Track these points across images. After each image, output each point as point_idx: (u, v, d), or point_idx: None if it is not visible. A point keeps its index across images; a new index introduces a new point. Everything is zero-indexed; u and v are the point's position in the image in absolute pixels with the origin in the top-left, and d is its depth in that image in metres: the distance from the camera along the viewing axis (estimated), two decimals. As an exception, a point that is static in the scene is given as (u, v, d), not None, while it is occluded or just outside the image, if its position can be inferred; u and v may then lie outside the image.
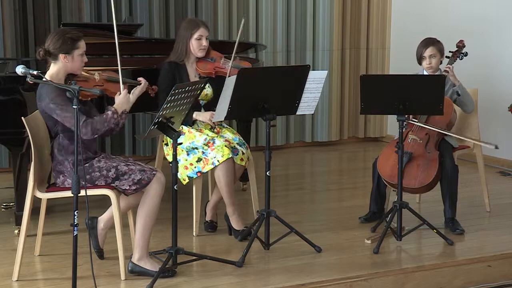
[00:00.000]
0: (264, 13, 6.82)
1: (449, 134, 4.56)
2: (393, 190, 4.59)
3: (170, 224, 3.83)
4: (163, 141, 4.61)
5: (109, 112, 3.77)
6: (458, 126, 4.92)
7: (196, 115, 4.49)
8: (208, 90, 4.58)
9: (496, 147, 4.41)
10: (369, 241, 4.42)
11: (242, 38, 4.99)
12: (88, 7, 6.15)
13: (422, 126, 4.57)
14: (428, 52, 4.69)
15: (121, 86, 3.88)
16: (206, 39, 4.53)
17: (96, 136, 3.73)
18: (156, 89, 4.24)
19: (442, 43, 4.74)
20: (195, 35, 4.49)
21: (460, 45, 4.85)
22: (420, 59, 4.74)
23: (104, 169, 3.80)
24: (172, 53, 4.56)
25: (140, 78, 4.03)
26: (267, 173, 4.15)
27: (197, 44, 4.50)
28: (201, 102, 4.59)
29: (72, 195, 3.35)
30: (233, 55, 4.42)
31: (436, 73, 4.72)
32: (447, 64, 4.72)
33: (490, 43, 6.39)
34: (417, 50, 4.74)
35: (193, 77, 4.56)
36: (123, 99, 3.82)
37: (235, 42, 4.43)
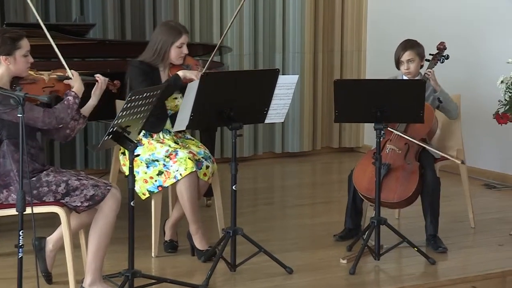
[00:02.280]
0: (229, 13, 6.83)
1: (423, 145, 4.59)
2: (370, 205, 4.61)
3: (127, 244, 3.80)
4: (120, 150, 4.60)
5: (70, 98, 3.77)
6: (440, 134, 4.97)
7: (184, 73, 4.44)
8: (179, 101, 4.55)
9: (463, 163, 4.53)
10: (344, 261, 4.43)
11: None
12: (35, 6, 6.10)
13: (401, 135, 4.60)
14: (406, 56, 4.73)
15: (68, 70, 3.88)
16: (186, 46, 4.55)
17: (60, 126, 3.71)
18: (119, 84, 4.20)
19: (422, 46, 4.78)
20: (177, 43, 4.50)
21: (441, 47, 4.90)
22: (398, 63, 4.78)
23: (53, 183, 3.77)
24: (145, 53, 4.55)
25: (96, 75, 4.00)
26: (234, 187, 4.16)
27: (177, 52, 4.51)
28: (168, 112, 4.57)
29: (17, 213, 3.30)
30: (211, 57, 4.42)
31: (416, 78, 4.76)
32: (427, 68, 4.77)
33: (473, 45, 6.47)
34: (395, 54, 4.78)
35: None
36: (78, 81, 3.82)
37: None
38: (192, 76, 4.44)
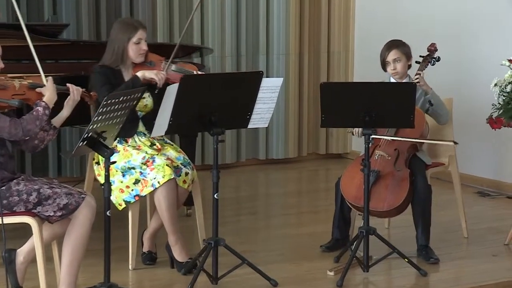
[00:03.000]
0: (210, 12, 6.84)
1: (414, 141, 4.61)
2: (359, 214, 4.62)
3: (102, 256, 3.79)
4: (94, 159, 4.58)
5: (39, 108, 3.74)
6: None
7: (143, 73, 4.42)
8: (148, 100, 4.56)
9: (455, 143, 4.53)
10: (332, 273, 4.43)
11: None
12: (5, 5, 6.08)
13: (390, 141, 4.62)
14: (391, 56, 4.75)
15: (43, 77, 3.84)
16: (145, 41, 4.54)
17: (28, 138, 3.69)
18: (95, 97, 4.18)
19: (407, 45, 4.81)
20: (134, 39, 4.49)
21: (432, 49, 4.92)
22: (384, 65, 4.81)
23: (24, 192, 3.75)
24: (104, 56, 4.55)
25: (68, 84, 3.97)
26: (215, 195, 4.15)
27: (136, 48, 4.50)
28: (139, 113, 4.57)
29: (-14, 223, 3.30)
30: (172, 56, 4.40)
31: (405, 80, 4.78)
32: (418, 70, 4.79)
33: (465, 47, 6.49)
34: (380, 55, 4.81)
35: None
36: (51, 90, 3.79)
37: (175, 45, 4.44)
38: (152, 75, 4.43)
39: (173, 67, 4.55)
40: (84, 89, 4.02)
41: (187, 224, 5.18)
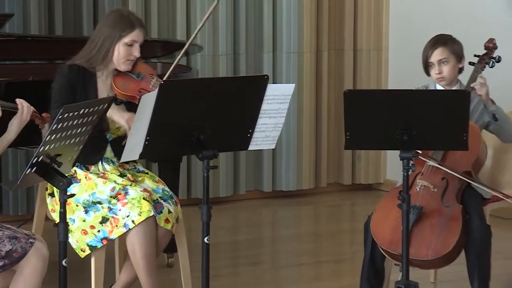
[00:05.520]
0: (198, 2, 6.88)
1: (474, 183, 4.59)
2: (395, 264, 4.60)
3: (56, 319, 3.78)
4: (47, 190, 4.58)
5: None
6: (491, 165, 4.99)
7: (111, 113, 4.42)
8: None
9: None
10: None
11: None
12: None
13: (437, 167, 4.60)
14: (436, 56, 4.77)
15: None
16: (139, 46, 4.58)
17: None
18: (48, 119, 4.22)
19: (458, 42, 4.83)
20: (126, 39, 4.53)
21: (490, 46, 4.93)
22: (426, 67, 4.83)
23: (-45, 236, 3.77)
24: (81, 52, 4.58)
25: (18, 101, 4.02)
26: (206, 239, 4.10)
27: (125, 52, 4.54)
28: (108, 136, 4.58)
29: None
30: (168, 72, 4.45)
31: (454, 87, 4.79)
32: (473, 73, 4.79)
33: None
34: (423, 54, 4.83)
35: (103, 96, 4.56)
36: None
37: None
38: (121, 121, 4.43)
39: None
40: (34, 109, 4.07)
41: (169, 277, 5.18)
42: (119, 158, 4.43)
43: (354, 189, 7.50)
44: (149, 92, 4.48)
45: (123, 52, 4.54)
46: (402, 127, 4.28)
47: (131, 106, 4.50)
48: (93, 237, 4.41)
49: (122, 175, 4.56)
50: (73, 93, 4.48)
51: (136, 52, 4.56)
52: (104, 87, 4.57)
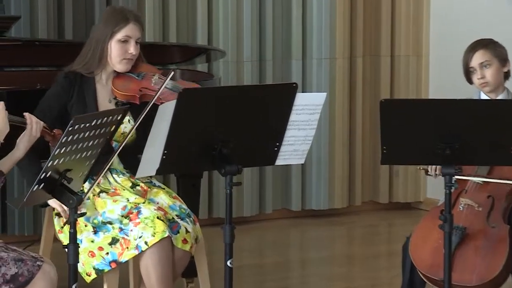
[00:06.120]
0: (221, 2, 6.90)
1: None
2: (437, 291, 4.62)
3: None
4: (54, 210, 4.59)
5: None
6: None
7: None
8: (127, 127, 4.58)
9: None
10: None
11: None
12: None
13: (482, 184, 4.63)
14: (477, 59, 4.79)
15: None
16: (136, 43, 4.60)
17: None
18: (59, 135, 4.20)
19: (501, 45, 4.85)
20: (119, 35, 4.56)
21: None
22: (468, 73, 4.84)
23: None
24: (78, 58, 4.63)
25: (27, 115, 4.06)
26: (228, 262, 4.09)
27: (120, 49, 4.57)
28: (114, 144, 4.57)
29: None
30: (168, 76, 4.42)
31: (501, 95, 4.82)
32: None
33: None
34: (463, 59, 4.85)
35: (104, 101, 4.60)
36: (0, 118, 3.89)
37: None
38: (57, 207, 4.43)
39: (170, 84, 4.56)
40: (44, 124, 4.11)
41: (188, 303, 5.22)
42: (130, 170, 4.49)
43: (391, 208, 7.57)
44: (149, 90, 4.59)
45: (117, 50, 4.55)
46: (445, 140, 4.26)
47: (133, 108, 4.51)
48: (100, 259, 4.42)
49: (134, 185, 4.59)
50: (64, 101, 4.52)
51: (132, 49, 4.57)
52: (105, 92, 4.61)
